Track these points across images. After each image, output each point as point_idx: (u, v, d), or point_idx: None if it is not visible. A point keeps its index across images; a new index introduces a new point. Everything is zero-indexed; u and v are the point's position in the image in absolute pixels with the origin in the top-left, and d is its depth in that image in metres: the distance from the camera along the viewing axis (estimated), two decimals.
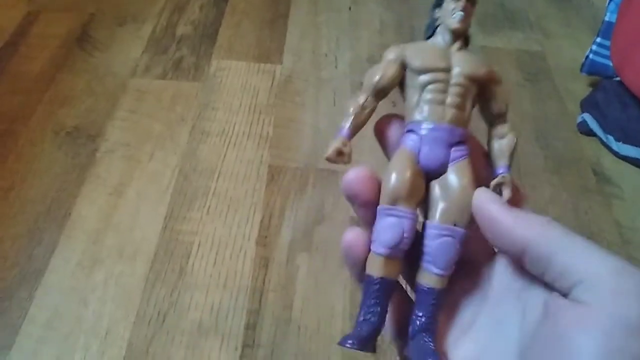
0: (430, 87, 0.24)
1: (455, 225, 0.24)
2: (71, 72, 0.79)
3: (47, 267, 0.57)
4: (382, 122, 0.26)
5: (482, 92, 0.25)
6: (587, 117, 0.75)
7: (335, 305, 0.56)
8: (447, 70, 0.24)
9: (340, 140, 0.24)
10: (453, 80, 0.24)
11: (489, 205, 0.23)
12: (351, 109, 0.25)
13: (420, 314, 0.24)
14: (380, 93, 0.25)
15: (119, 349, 0.51)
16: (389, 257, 0.23)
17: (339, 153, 0.24)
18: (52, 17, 0.88)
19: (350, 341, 0.23)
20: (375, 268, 0.24)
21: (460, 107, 0.24)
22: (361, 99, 0.25)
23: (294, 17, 0.93)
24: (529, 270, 0.22)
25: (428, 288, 0.24)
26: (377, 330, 0.24)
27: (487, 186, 0.24)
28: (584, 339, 0.19)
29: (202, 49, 0.85)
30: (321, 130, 0.73)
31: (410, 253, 0.24)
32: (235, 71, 0.81)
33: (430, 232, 0.24)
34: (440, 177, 0.24)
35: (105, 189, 0.64)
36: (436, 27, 0.25)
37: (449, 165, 0.24)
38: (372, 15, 0.94)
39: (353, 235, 0.25)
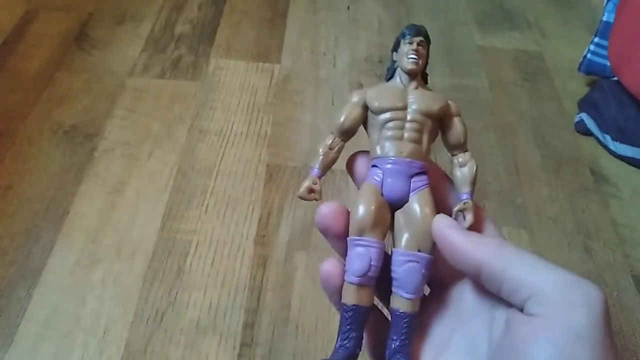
0: (388, 125, 0.26)
1: (419, 251, 0.25)
2: (69, 71, 0.79)
3: (45, 265, 0.57)
4: (351, 158, 0.28)
5: (440, 125, 0.28)
6: (584, 116, 0.75)
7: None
8: (404, 108, 0.26)
9: (311, 179, 0.27)
10: (409, 117, 0.26)
11: (446, 231, 0.24)
12: (320, 150, 0.28)
13: (395, 337, 0.25)
14: (346, 133, 0.28)
15: (117, 348, 0.51)
16: (360, 285, 0.25)
17: (310, 191, 0.27)
18: (50, 16, 0.88)
19: None
20: (349, 296, 0.26)
21: (417, 141, 0.26)
22: (329, 139, 0.28)
23: (292, 16, 0.93)
24: (487, 288, 0.23)
25: (400, 312, 0.25)
26: (352, 355, 0.26)
27: (450, 211, 0.26)
28: (537, 350, 0.20)
29: (200, 48, 0.85)
30: (319, 130, 0.73)
31: (383, 279, 0.26)
32: (233, 70, 0.81)
33: (396, 258, 0.26)
34: (404, 207, 0.26)
35: (104, 188, 0.64)
36: (395, 69, 0.28)
37: (410, 195, 0.26)
38: (371, 15, 0.95)
39: (329, 266, 0.27)
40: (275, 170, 0.68)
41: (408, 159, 0.26)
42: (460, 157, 0.28)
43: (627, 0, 0.73)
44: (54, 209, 0.62)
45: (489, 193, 0.67)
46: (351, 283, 0.25)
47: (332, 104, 0.77)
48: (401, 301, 0.25)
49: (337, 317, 0.56)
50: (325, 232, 0.27)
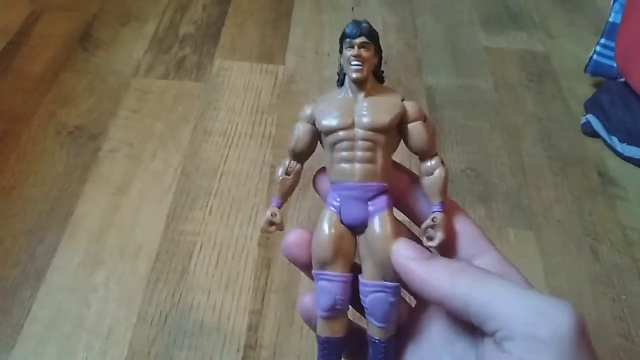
0: (337, 146, 0.24)
1: (384, 279, 0.24)
2: (74, 72, 0.79)
3: (49, 266, 0.57)
4: (316, 175, 0.27)
5: (400, 131, 0.25)
6: (591, 118, 0.75)
7: None
8: (351, 126, 0.24)
9: (270, 211, 0.26)
10: (358, 136, 0.24)
11: (404, 262, 0.23)
12: (279, 176, 0.26)
13: None
14: (300, 156, 0.26)
15: (120, 349, 0.51)
16: (329, 319, 0.24)
17: (271, 223, 0.26)
18: (54, 16, 0.88)
19: None
20: (320, 329, 0.25)
21: (370, 160, 0.24)
22: (286, 163, 0.26)
23: (296, 17, 0.92)
24: (456, 317, 0.22)
25: (375, 339, 0.24)
26: None
27: (424, 219, 0.24)
28: None
29: (204, 48, 0.85)
30: None
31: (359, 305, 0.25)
32: (237, 71, 0.81)
33: (362, 289, 0.24)
34: (364, 233, 0.24)
35: (108, 189, 0.64)
36: (345, 74, 0.25)
37: (369, 220, 0.24)
38: (375, 15, 0.94)
39: (307, 301, 0.26)
40: None
41: (361, 183, 0.24)
42: (427, 164, 0.25)
43: (634, 1, 0.72)
44: (58, 209, 0.62)
45: (495, 194, 0.67)
46: (320, 317, 0.25)
47: None
48: (374, 329, 0.24)
49: None
50: (292, 262, 0.26)
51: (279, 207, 0.26)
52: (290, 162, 0.26)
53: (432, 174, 0.25)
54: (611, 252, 0.62)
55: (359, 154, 0.24)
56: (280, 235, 0.62)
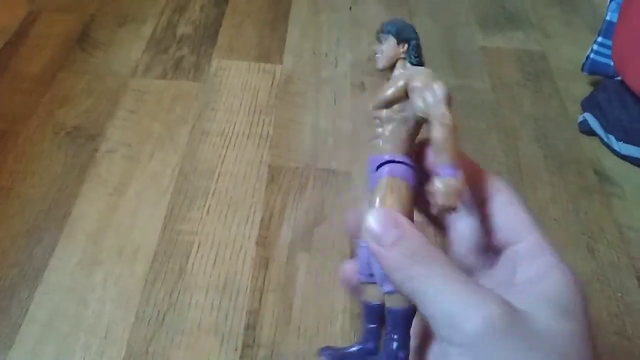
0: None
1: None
2: (71, 72, 0.79)
3: (47, 266, 0.57)
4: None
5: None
6: (588, 116, 0.75)
7: (335, 305, 0.56)
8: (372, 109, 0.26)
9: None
10: (371, 114, 0.26)
11: (370, 243, 0.22)
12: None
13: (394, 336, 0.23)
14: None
15: (118, 349, 0.51)
16: (368, 283, 0.25)
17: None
18: (52, 17, 0.88)
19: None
20: (364, 294, 0.25)
21: (379, 135, 0.26)
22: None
23: (294, 17, 0.93)
24: None
25: (394, 309, 0.23)
26: (366, 350, 0.25)
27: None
28: None
29: (202, 49, 0.85)
30: (321, 131, 0.73)
31: None
32: (235, 71, 0.81)
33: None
34: None
35: (106, 189, 0.64)
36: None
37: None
38: (373, 16, 0.94)
39: (349, 268, 0.26)
40: (277, 171, 0.68)
41: (372, 156, 0.26)
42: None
43: (631, 0, 0.73)
44: (56, 209, 0.62)
45: None
46: (361, 282, 0.25)
47: (334, 104, 0.77)
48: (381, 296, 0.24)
49: (338, 317, 0.56)
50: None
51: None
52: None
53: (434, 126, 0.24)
54: (607, 251, 0.62)
55: (374, 130, 0.26)
56: (277, 236, 0.63)
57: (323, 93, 0.79)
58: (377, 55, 0.27)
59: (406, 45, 0.27)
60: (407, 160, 0.25)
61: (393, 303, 0.23)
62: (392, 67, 0.27)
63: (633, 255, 0.62)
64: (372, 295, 0.25)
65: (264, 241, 0.61)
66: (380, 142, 0.26)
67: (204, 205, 0.63)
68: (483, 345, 0.18)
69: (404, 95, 0.25)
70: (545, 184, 0.69)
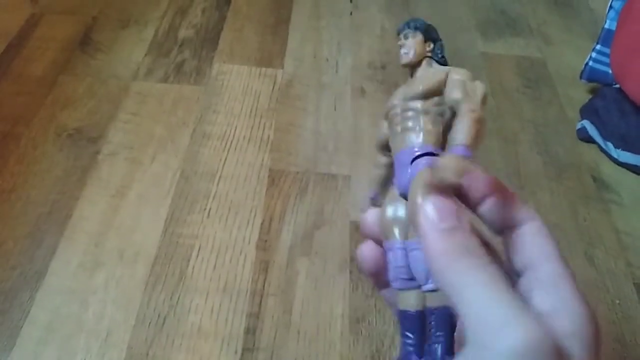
0: (393, 120, 0.26)
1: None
2: (73, 75, 0.79)
3: (48, 268, 0.57)
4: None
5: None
6: (586, 123, 0.76)
7: (334, 309, 0.56)
8: (398, 102, 0.26)
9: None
10: (401, 107, 0.26)
11: (423, 221, 0.20)
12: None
13: (439, 334, 0.22)
14: (383, 149, 0.28)
15: (119, 352, 0.52)
16: (404, 289, 0.24)
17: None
18: (55, 19, 0.89)
19: None
20: (417, 303, 0.23)
21: (412, 128, 0.25)
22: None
23: (295, 22, 0.93)
24: None
25: (433, 310, 0.23)
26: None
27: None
28: None
29: (204, 52, 0.85)
30: (322, 135, 0.73)
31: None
32: (236, 75, 0.82)
33: (403, 251, 0.24)
34: None
35: (107, 191, 0.65)
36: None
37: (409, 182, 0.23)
38: (373, 21, 0.95)
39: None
40: (278, 175, 0.68)
41: (407, 149, 0.24)
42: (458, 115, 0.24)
43: (629, 8, 0.73)
44: (57, 212, 0.62)
45: None
46: (396, 290, 0.24)
47: (335, 109, 0.78)
48: (427, 297, 0.23)
49: (338, 321, 0.57)
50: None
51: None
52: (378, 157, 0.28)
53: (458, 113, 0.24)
54: (606, 257, 0.62)
55: (404, 123, 0.25)
56: (277, 239, 0.63)
57: (323, 97, 0.79)
58: (403, 50, 0.27)
59: (432, 44, 0.28)
60: (433, 151, 0.24)
61: (436, 302, 0.22)
62: (418, 64, 0.27)
63: (631, 262, 0.62)
64: (409, 302, 0.23)
65: (264, 245, 0.61)
66: (414, 135, 0.24)
67: (205, 209, 0.64)
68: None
69: (441, 88, 0.25)
70: (544, 190, 0.69)
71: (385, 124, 0.27)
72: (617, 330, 0.56)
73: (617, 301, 0.58)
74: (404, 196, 0.24)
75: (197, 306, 0.55)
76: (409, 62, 0.27)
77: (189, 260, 0.59)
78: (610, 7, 0.77)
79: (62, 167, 0.67)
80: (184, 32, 0.89)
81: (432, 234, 0.20)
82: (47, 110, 0.74)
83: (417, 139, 0.24)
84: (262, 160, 0.70)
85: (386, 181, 0.27)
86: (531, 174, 0.71)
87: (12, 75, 0.78)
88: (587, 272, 0.61)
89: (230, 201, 0.65)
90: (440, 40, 0.28)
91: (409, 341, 0.23)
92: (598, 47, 0.79)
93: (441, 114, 0.25)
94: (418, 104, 0.25)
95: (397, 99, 0.26)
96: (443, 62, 0.27)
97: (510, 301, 0.19)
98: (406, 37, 0.27)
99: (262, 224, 0.63)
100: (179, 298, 0.56)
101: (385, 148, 0.27)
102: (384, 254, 0.25)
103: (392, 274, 0.24)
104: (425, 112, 0.25)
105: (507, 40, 0.93)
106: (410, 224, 0.23)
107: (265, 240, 0.61)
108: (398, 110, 0.26)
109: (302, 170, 0.69)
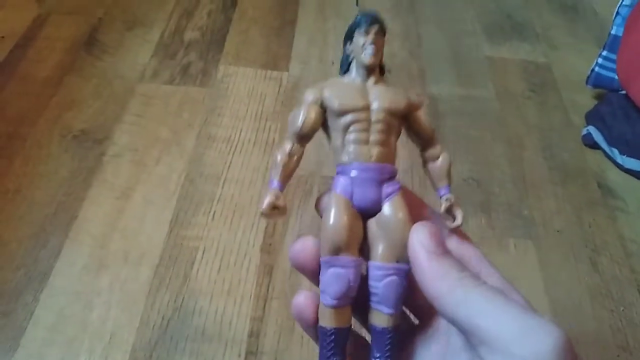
0: (352, 127, 0.24)
1: (397, 262, 0.23)
2: (79, 76, 0.80)
3: (52, 270, 0.57)
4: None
5: (405, 121, 0.26)
6: (592, 129, 0.75)
7: None
8: (367, 108, 0.24)
9: (274, 194, 0.24)
10: (374, 118, 0.24)
11: (418, 248, 0.22)
12: (279, 159, 0.25)
13: (378, 355, 0.24)
14: (304, 138, 0.25)
15: (122, 354, 0.52)
16: (338, 307, 0.24)
17: (274, 207, 0.24)
18: (61, 20, 0.89)
19: None
20: (327, 319, 0.24)
21: (384, 143, 0.24)
22: (287, 147, 0.25)
23: (301, 25, 0.93)
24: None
25: (382, 328, 0.24)
26: None
27: (421, 216, 0.25)
28: None
29: (209, 55, 0.85)
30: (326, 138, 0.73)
31: (359, 295, 0.24)
32: (242, 77, 0.82)
33: (374, 273, 0.24)
34: (377, 215, 0.24)
35: (112, 193, 0.65)
36: (350, 62, 0.26)
37: (383, 202, 0.24)
38: None
39: (302, 299, 0.25)
40: None
41: (377, 164, 0.24)
42: (431, 150, 0.26)
43: (636, 15, 0.73)
44: (63, 213, 0.62)
45: (496, 204, 0.67)
46: (329, 306, 0.24)
47: None
48: (382, 317, 0.24)
49: None
50: (300, 270, 0.26)
51: (280, 190, 0.25)
52: (293, 145, 0.25)
53: (438, 158, 0.26)
54: (610, 264, 0.62)
55: (375, 135, 0.24)
56: (282, 243, 0.63)
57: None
58: (371, 49, 0.24)
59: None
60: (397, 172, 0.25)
61: (390, 323, 0.23)
62: (374, 68, 0.25)
63: (636, 269, 0.62)
64: (343, 318, 0.24)
65: (269, 248, 0.61)
66: (378, 150, 0.24)
67: (210, 211, 0.64)
68: None
69: (404, 112, 0.26)
70: (549, 196, 0.69)
71: (315, 110, 0.25)
72: (622, 337, 0.56)
73: (622, 308, 0.58)
74: (364, 210, 0.24)
75: (201, 309, 0.55)
76: (376, 63, 0.25)
77: (193, 263, 0.59)
78: (617, 13, 0.77)
79: (67, 168, 0.67)
80: (190, 34, 0.89)
81: (431, 260, 0.22)
82: (52, 112, 0.74)
83: (387, 156, 0.24)
84: (267, 163, 0.70)
85: (292, 174, 0.26)
86: (536, 179, 0.71)
87: (18, 76, 0.79)
88: (591, 279, 0.60)
89: (235, 204, 0.65)
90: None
91: (337, 358, 0.24)
92: (604, 53, 0.79)
93: (399, 135, 0.26)
94: (394, 121, 0.24)
95: (357, 100, 0.24)
96: (384, 71, 0.26)
97: (521, 311, 0.20)
98: (377, 35, 0.25)
99: (266, 227, 0.63)
100: (183, 300, 0.56)
101: (307, 138, 0.25)
102: (322, 267, 0.24)
103: (337, 290, 0.23)
104: (395, 130, 0.25)
105: (513, 44, 0.93)
106: (393, 249, 0.23)
107: (270, 244, 0.61)
108: (366, 116, 0.24)
109: (306, 174, 0.69)
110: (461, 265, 0.22)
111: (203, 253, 0.60)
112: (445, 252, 0.22)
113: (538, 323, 0.19)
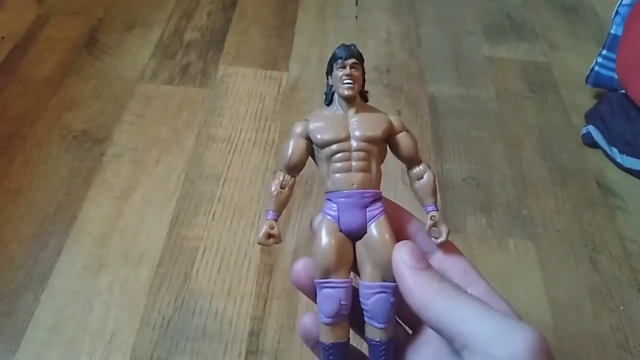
0: (335, 157, 0.26)
1: (384, 280, 0.25)
2: (79, 76, 0.80)
3: (53, 270, 0.57)
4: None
5: (389, 143, 0.28)
6: (591, 129, 0.75)
7: None
8: (347, 138, 0.26)
9: (268, 224, 0.27)
10: (354, 147, 0.26)
11: (400, 266, 0.24)
12: (273, 190, 0.27)
13: None
14: (294, 169, 0.27)
15: (123, 354, 0.52)
16: (333, 324, 0.26)
17: (269, 236, 0.27)
18: (61, 20, 0.89)
19: None
20: (325, 336, 0.26)
21: (366, 169, 0.26)
22: (279, 178, 0.27)
23: (301, 25, 0.93)
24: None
25: (376, 341, 0.26)
26: None
27: (407, 231, 0.27)
28: None
29: (209, 55, 0.85)
30: None
31: (354, 309, 0.26)
32: (242, 78, 0.82)
33: (364, 291, 0.26)
34: (363, 238, 0.26)
35: (112, 193, 0.65)
36: (333, 93, 0.28)
37: (368, 225, 0.26)
38: (379, 24, 0.95)
39: (308, 321, 0.28)
40: None
41: (360, 190, 0.26)
42: (416, 170, 0.28)
43: (636, 14, 0.73)
44: (63, 213, 0.62)
45: (496, 204, 0.67)
46: (325, 324, 0.26)
47: None
48: (374, 331, 0.26)
49: None
50: (302, 288, 0.28)
51: (275, 220, 0.27)
52: (284, 176, 0.27)
53: (422, 177, 0.27)
54: (610, 263, 0.62)
55: (355, 163, 0.26)
56: (282, 242, 0.63)
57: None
58: (349, 82, 0.26)
59: (363, 78, 0.28)
60: (381, 194, 0.27)
61: (383, 336, 0.25)
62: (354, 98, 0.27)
63: (636, 268, 0.62)
64: (339, 334, 0.26)
65: (269, 248, 0.61)
66: (362, 176, 0.26)
67: (210, 211, 0.64)
68: None
69: (385, 136, 0.27)
70: (549, 195, 0.69)
71: (298, 144, 0.27)
72: (622, 336, 0.56)
73: (622, 307, 0.58)
74: (351, 233, 0.26)
75: (202, 309, 0.55)
76: (354, 94, 0.27)
77: (193, 263, 0.59)
78: (617, 12, 0.77)
79: (67, 168, 0.67)
80: (189, 35, 0.89)
81: (413, 274, 0.23)
82: (52, 112, 0.74)
83: (369, 181, 0.26)
84: (267, 163, 0.70)
85: (287, 203, 0.28)
86: (535, 179, 0.71)
87: (18, 76, 0.79)
88: (591, 278, 0.60)
89: (235, 204, 0.65)
90: (365, 73, 0.28)
91: None
92: (604, 52, 0.79)
93: (383, 158, 0.27)
94: (373, 148, 0.26)
95: (338, 132, 0.26)
96: (366, 99, 0.28)
97: (498, 315, 0.21)
98: (353, 67, 0.27)
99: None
100: (183, 300, 0.56)
101: (296, 169, 0.27)
102: (316, 287, 0.26)
103: (330, 309, 0.26)
104: (377, 156, 0.27)
105: (512, 44, 0.93)
106: (378, 268, 0.25)
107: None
108: (348, 146, 0.26)
109: (306, 174, 0.68)
110: (442, 277, 0.24)
111: (203, 253, 0.60)
112: (427, 266, 0.24)
113: (514, 326, 0.20)
